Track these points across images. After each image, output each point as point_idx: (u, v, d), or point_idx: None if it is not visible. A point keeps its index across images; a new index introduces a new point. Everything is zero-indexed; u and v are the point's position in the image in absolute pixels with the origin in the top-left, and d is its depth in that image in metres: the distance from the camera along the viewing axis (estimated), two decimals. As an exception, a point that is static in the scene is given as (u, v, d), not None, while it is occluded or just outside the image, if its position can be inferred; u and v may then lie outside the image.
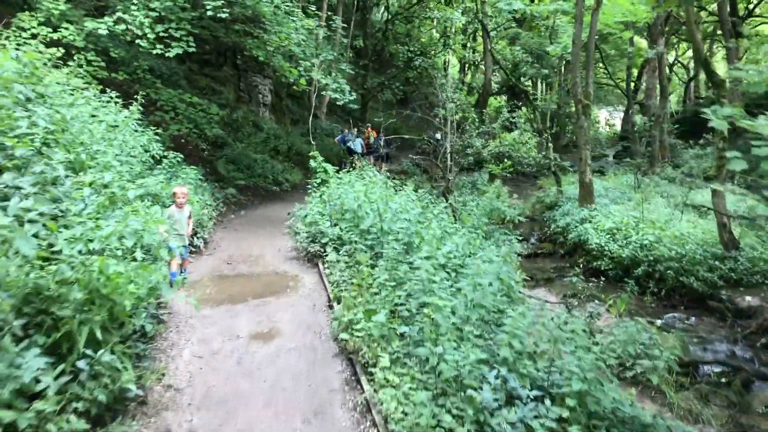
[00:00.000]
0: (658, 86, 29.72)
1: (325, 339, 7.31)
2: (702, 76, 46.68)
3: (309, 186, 14.98)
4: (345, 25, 18.44)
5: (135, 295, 5.19)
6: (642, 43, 41.04)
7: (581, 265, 15.89)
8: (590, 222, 16.84)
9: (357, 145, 23.72)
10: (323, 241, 10.89)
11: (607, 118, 58.65)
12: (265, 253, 12.12)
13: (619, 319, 11.04)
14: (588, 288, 11.97)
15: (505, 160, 17.72)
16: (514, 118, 18.17)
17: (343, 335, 6.64)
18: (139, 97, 11.99)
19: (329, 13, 21.35)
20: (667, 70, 33.08)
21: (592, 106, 18.16)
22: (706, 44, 42.64)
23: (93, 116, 10.88)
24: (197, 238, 11.98)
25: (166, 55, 14.03)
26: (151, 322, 6.15)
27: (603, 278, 15.18)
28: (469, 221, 13.18)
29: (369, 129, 26.54)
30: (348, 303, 7.24)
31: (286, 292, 9.36)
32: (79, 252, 5.08)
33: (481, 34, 27.48)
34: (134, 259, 6.12)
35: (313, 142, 16.03)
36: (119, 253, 5.60)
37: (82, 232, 5.33)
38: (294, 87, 20.23)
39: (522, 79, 26.97)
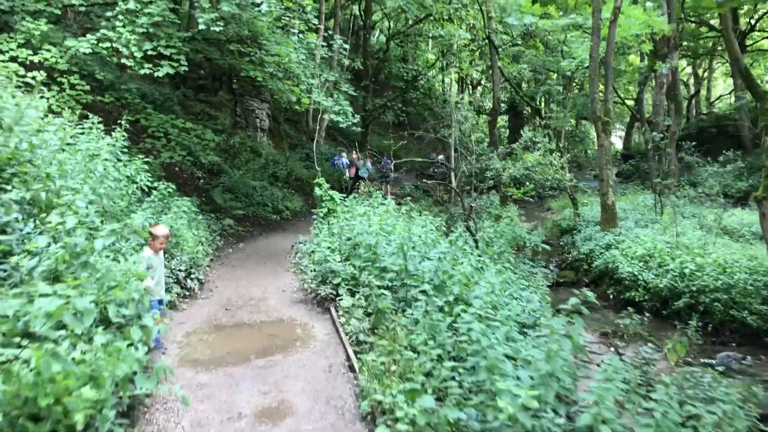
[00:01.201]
0: (665, 102, 28.44)
1: (350, 419, 5.70)
2: (703, 92, 45.61)
3: (313, 214, 13.48)
4: (346, 45, 17.05)
5: (93, 400, 3.58)
6: (637, 60, 39.94)
7: (611, 296, 14.37)
8: (617, 248, 15.32)
9: (365, 170, 22.25)
10: (335, 281, 9.31)
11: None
12: (268, 295, 10.52)
13: (677, 365, 9.47)
14: (634, 325, 10.39)
15: (527, 183, 16.26)
16: (536, 138, 16.76)
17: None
18: (123, 121, 10.44)
19: (329, 32, 19.94)
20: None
21: (612, 123, 16.74)
22: (706, 60, 41.57)
23: (69, 144, 9.36)
24: (191, 279, 10.39)
25: (156, 75, 12.58)
26: (121, 423, 4.49)
27: (633, 310, 13.72)
28: (492, 251, 11.63)
29: (355, 153, 25.15)
30: (376, 370, 5.64)
31: (295, 346, 7.76)
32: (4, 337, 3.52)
33: (486, 50, 26.17)
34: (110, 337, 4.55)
35: (318, 168, 14.50)
36: (78, 331, 4.01)
37: (17, 309, 3.72)
38: (296, 107, 18.79)
39: (530, 97, 25.69)
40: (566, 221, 19.56)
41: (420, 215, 13.24)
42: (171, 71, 12.55)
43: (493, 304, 8.01)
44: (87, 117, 11.09)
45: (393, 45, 31.09)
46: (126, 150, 11.01)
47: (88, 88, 14.15)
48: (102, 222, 9.14)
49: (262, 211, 18.94)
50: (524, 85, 27.78)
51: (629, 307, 13.80)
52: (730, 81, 45.39)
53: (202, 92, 26.10)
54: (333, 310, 8.95)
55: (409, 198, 20.76)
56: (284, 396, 6.21)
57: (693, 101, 42.33)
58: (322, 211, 12.65)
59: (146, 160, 11.13)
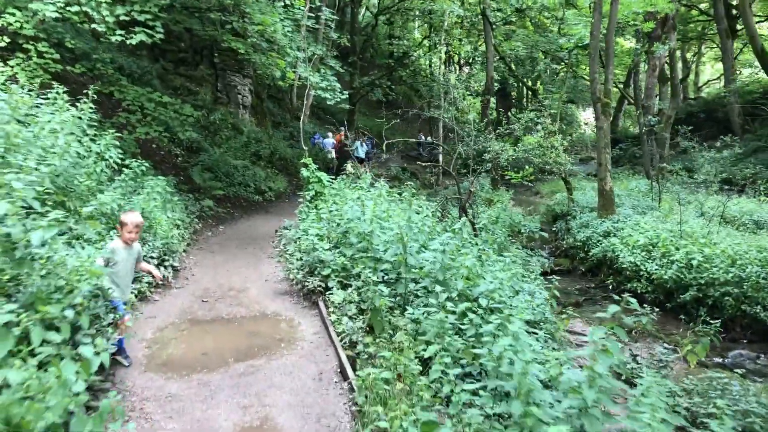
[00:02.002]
0: (657, 86, 27.70)
1: (346, 444, 4.79)
2: (691, 77, 44.96)
3: (298, 196, 12.50)
4: (335, 16, 15.97)
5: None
6: (625, 44, 39.06)
7: (611, 287, 13.58)
8: (616, 236, 14.51)
9: (361, 150, 21.26)
10: (324, 272, 8.36)
11: (587, 120, 56.60)
12: (249, 284, 9.55)
13: (694, 367, 8.68)
14: (649, 321, 9.56)
15: (526, 166, 15.35)
16: (539, 118, 15.85)
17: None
18: (91, 92, 9.33)
19: (318, 2, 18.77)
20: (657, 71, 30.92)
21: (611, 104, 15.85)
22: (695, 45, 40.86)
23: (29, 116, 8.28)
24: (165, 266, 9.38)
25: (129, 42, 11.44)
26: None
27: (633, 300, 12.92)
28: (492, 240, 10.73)
29: (340, 134, 24.12)
30: (379, 389, 4.71)
31: (280, 348, 6.82)
32: None
33: (479, 27, 25.09)
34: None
35: (305, 148, 13.46)
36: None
37: None
38: (281, 83, 17.67)
39: (525, 77, 24.67)
40: (560, 206, 18.73)
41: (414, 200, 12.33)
42: (146, 39, 11.43)
43: (500, 301, 7.16)
44: (51, 87, 9.99)
45: (380, 22, 29.88)
46: (96, 124, 9.93)
47: (57, 56, 12.94)
48: (64, 204, 8.13)
49: (244, 192, 17.89)
50: (514, 66, 26.68)
51: (624, 295, 13.08)
52: (718, 66, 44.81)
53: (182, 66, 24.79)
54: (322, 305, 8.00)
55: (396, 182, 19.84)
56: (268, 412, 5.27)
57: (681, 86, 41.64)
58: (309, 194, 11.66)
59: (118, 135, 10.02)
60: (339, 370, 6.15)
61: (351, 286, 8.02)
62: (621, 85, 35.32)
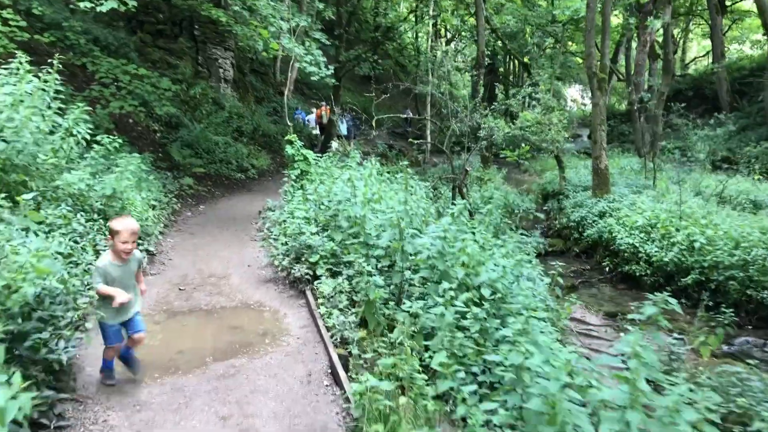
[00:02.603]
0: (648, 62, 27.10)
1: (342, 468, 4.14)
2: (678, 54, 44.32)
3: (281, 173, 11.77)
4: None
5: None
6: (613, 20, 38.25)
7: (608, 269, 13.05)
8: (612, 216, 13.94)
9: (342, 127, 20.49)
10: (311, 259, 7.66)
11: (574, 97, 55.94)
12: (231, 270, 8.84)
13: (706, 359, 8.14)
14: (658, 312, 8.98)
15: (523, 144, 14.66)
16: (537, 93, 15.15)
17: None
18: (56, 61, 8.47)
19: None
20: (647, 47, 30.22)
21: (607, 80, 15.18)
22: (683, 21, 40.22)
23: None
24: (139, 251, 8.61)
25: (98, 10, 10.53)
26: None
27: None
28: (487, 222, 10.09)
29: (324, 107, 23.29)
30: (379, 405, 4.05)
31: (264, 344, 6.14)
32: None
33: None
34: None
35: (290, 124, 12.66)
36: None
37: None
38: (263, 54, 16.78)
39: (516, 51, 23.88)
40: (551, 185, 18.13)
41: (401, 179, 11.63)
42: (117, 6, 10.53)
43: (504, 291, 6.53)
44: (13, 56, 9.12)
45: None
46: (64, 96, 9.10)
47: (24, 24, 11.99)
48: (26, 184, 7.35)
49: (226, 170, 17.08)
50: (505, 41, 25.81)
51: (628, 282, 12.58)
52: (704, 43, 44.28)
53: (160, 38, 23.65)
54: (310, 294, 7.32)
55: (383, 159, 19.11)
56: (250, 423, 4.61)
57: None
58: (294, 173, 10.92)
59: (87, 108, 9.16)
60: (330, 371, 5.50)
61: (341, 274, 7.36)
62: (608, 61, 34.63)
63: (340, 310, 6.32)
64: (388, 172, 11.16)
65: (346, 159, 12.60)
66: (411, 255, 6.34)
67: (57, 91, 8.81)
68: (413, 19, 31.62)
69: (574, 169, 20.03)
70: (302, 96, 32.32)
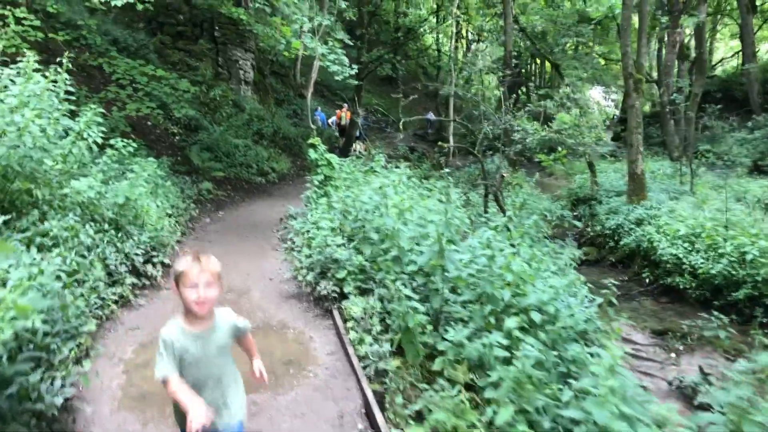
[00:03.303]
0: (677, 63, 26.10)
1: None
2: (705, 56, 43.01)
3: (303, 177, 11.08)
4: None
5: None
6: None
7: (647, 281, 12.19)
8: (650, 224, 13.06)
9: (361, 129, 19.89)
10: (338, 274, 6.92)
11: (596, 99, 54.53)
12: (251, 284, 8.14)
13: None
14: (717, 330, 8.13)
15: (559, 148, 13.83)
16: (575, 93, 14.34)
17: None
18: (65, 60, 7.82)
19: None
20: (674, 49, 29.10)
21: (644, 80, 14.31)
22: (710, 21, 38.99)
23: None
24: (153, 264, 7.96)
25: (113, 4, 9.93)
26: None
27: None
28: (521, 233, 9.29)
29: (345, 109, 22.54)
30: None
31: (288, 374, 5.42)
32: None
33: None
34: None
35: (313, 126, 11.97)
36: None
37: None
38: (285, 54, 16.13)
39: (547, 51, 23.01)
40: (583, 190, 17.25)
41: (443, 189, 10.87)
42: (132, 0, 9.91)
43: (557, 315, 5.77)
44: (22, 55, 8.51)
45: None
46: (77, 98, 8.49)
47: (38, 23, 11.41)
48: (30, 193, 6.70)
49: (246, 173, 16.42)
50: (533, 40, 24.75)
51: (670, 295, 11.71)
52: (733, 43, 43.01)
53: (181, 40, 23.13)
54: (337, 315, 6.59)
55: (404, 160, 18.37)
56: (274, 480, 3.88)
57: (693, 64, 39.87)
58: (317, 178, 10.21)
59: (100, 110, 8.51)
60: (364, 411, 4.76)
61: (371, 291, 6.64)
62: (645, 61, 33.42)
63: (373, 336, 5.58)
64: (419, 178, 10.39)
65: (371, 163, 11.89)
66: (454, 277, 5.58)
67: (68, 92, 8.20)
68: (434, 20, 30.87)
69: (603, 173, 19.12)
70: (322, 98, 31.65)
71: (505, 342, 4.84)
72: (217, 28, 22.82)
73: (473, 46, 33.80)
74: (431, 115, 30.03)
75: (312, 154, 10.39)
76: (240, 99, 21.68)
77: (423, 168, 16.86)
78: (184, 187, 12.65)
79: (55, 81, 7.71)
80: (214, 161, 15.72)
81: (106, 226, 7.34)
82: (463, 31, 33.52)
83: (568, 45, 24.36)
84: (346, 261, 7.03)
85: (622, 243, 13.56)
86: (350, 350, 5.61)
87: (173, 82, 13.48)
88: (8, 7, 11.18)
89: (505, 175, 11.16)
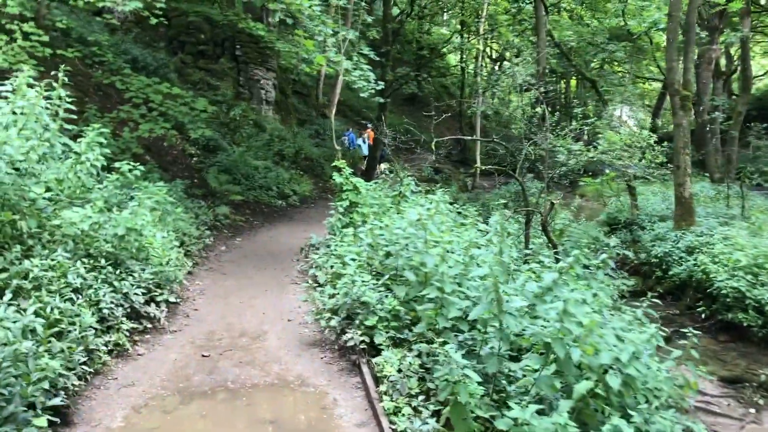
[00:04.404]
0: (712, 81, 24.78)
1: None
2: (737, 75, 41.53)
3: (326, 199, 10.04)
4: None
5: None
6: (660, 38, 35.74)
7: (703, 316, 10.90)
8: (704, 252, 11.78)
9: (364, 147, 18.98)
10: (368, 321, 5.81)
11: (620, 117, 52.98)
12: (267, 326, 7.06)
13: None
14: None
15: (606, 170, 12.67)
16: (631, 111, 13.17)
17: None
18: (60, 74, 6.88)
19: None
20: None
21: (690, 98, 13.11)
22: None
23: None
24: (157, 303, 6.91)
25: (119, 8, 9.05)
26: None
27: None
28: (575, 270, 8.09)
29: (369, 130, 21.49)
30: None
31: (309, 454, 4.30)
32: None
33: (528, 14, 22.30)
34: None
35: (338, 147, 10.93)
36: None
37: None
38: (307, 69, 15.21)
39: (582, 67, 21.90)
40: (622, 214, 15.99)
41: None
42: (140, 6, 9.02)
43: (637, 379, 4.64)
44: (15, 69, 7.61)
45: (411, 16, 27.01)
46: (85, 118, 7.58)
47: (46, 39, 10.58)
48: (15, 224, 5.72)
49: (265, 196, 15.43)
50: (553, 61, 23.62)
51: (730, 332, 10.45)
52: (764, 61, 41.44)
53: (201, 59, 22.41)
54: (366, 371, 5.47)
55: (432, 184, 17.32)
56: None
57: (727, 82, 38.38)
58: (342, 204, 9.15)
59: (104, 130, 7.54)
60: None
61: (406, 342, 5.53)
62: (692, 77, 32.01)
63: (414, 408, 4.45)
64: (451, 203, 9.27)
65: (399, 186, 10.80)
66: (516, 335, 4.46)
67: (70, 111, 7.26)
68: (456, 40, 29.89)
69: (641, 196, 17.81)
70: (344, 117, 30.73)
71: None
72: (238, 46, 22.07)
73: (501, 65, 32.80)
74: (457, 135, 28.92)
75: (336, 177, 9.34)
76: (261, 119, 20.81)
77: (451, 190, 15.72)
78: (198, 212, 11.67)
79: (48, 97, 6.78)
80: (232, 184, 14.77)
81: (103, 262, 6.32)
82: (489, 50, 32.51)
83: (598, 62, 23.26)
84: (377, 304, 5.92)
85: (671, 273, 12.29)
86: (384, 423, 4.49)
87: (189, 101, 12.56)
88: (16, 22, 10.39)
89: (555, 202, 10.00)
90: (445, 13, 32.36)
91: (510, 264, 5.72)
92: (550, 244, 8.72)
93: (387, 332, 5.68)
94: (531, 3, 21.24)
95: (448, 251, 5.13)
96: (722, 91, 26.02)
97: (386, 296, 6.13)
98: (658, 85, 39.72)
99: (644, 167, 11.97)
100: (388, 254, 6.56)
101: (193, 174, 14.51)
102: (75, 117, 7.73)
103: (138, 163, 8.45)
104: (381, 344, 5.53)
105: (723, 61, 39.07)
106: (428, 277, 5.62)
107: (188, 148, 15.64)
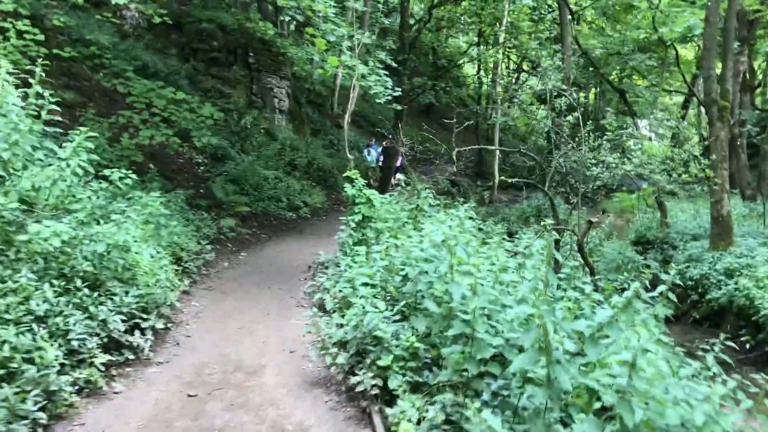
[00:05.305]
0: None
1: None
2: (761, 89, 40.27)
3: (338, 212, 9.15)
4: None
5: None
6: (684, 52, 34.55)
7: (747, 346, 9.85)
8: (746, 275, 10.73)
9: (373, 155, 18.26)
10: (381, 361, 4.86)
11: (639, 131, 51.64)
12: (266, 359, 6.12)
13: None
14: None
15: (644, 185, 11.68)
16: (671, 120, 12.22)
17: None
18: (38, 69, 6.04)
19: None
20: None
21: (729, 109, 12.07)
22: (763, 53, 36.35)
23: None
24: (142, 330, 6.00)
25: (122, 2, 8.30)
26: None
27: None
28: (610, 289, 7.12)
29: (388, 141, 20.61)
30: None
31: None
32: None
33: (554, 19, 21.37)
34: None
35: (350, 157, 10.02)
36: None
37: None
38: (321, 71, 14.38)
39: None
40: (651, 232, 14.92)
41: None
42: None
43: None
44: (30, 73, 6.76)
45: (426, 29, 26.14)
46: (59, 118, 6.74)
47: (42, 37, 9.78)
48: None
49: (274, 207, 14.54)
50: (612, 61, 22.36)
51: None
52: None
53: (214, 66, 21.67)
54: (380, 424, 4.51)
55: (449, 197, 16.41)
56: None
57: (750, 95, 37.10)
58: (354, 218, 8.22)
59: (92, 134, 6.68)
60: None
61: (426, 386, 4.59)
62: (731, 87, 30.76)
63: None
64: (471, 218, 8.30)
65: (416, 200, 9.86)
66: (565, 389, 3.49)
67: (56, 112, 6.45)
68: (473, 51, 28.97)
69: (669, 212, 16.75)
70: (359, 129, 29.90)
71: None
72: (251, 54, 21.32)
73: (519, 76, 31.84)
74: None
75: (348, 189, 8.43)
76: (273, 127, 20.00)
77: (469, 204, 14.74)
78: (201, 224, 10.81)
79: (25, 94, 5.95)
80: (239, 194, 13.90)
81: (79, 283, 5.43)
82: (507, 59, 31.54)
83: (627, 71, 22.25)
84: (392, 340, 4.98)
85: (708, 297, 11.25)
86: (401, 500, 3.53)
87: (195, 106, 11.72)
88: (9, 19, 9.62)
89: (594, 221, 9.02)
90: (461, 24, 31.59)
91: (556, 299, 4.75)
92: (586, 268, 7.75)
93: (404, 374, 4.74)
94: (553, 11, 20.38)
95: (480, 281, 4.17)
96: (749, 105, 24.84)
97: (402, 327, 5.19)
98: (678, 99, 38.56)
99: (682, 182, 10.91)
100: (405, 279, 5.61)
101: (199, 183, 13.67)
102: (67, 121, 6.93)
103: (137, 171, 7.61)
104: (397, 391, 4.59)
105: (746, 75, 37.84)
106: (453, 309, 4.67)
107: (195, 156, 14.83)
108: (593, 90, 33.62)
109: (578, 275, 6.89)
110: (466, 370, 4.09)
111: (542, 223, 6.41)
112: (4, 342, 4.16)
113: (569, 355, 3.70)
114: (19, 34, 9.55)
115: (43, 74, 6.38)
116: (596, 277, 7.64)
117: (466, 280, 4.21)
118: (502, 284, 5.09)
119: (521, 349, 3.95)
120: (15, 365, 4.16)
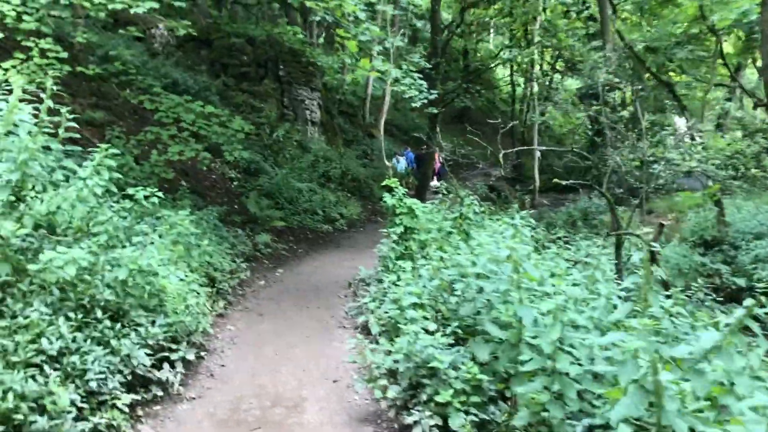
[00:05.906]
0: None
1: None
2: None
3: (376, 223, 8.53)
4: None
5: None
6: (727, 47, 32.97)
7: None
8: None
9: (402, 163, 17.63)
10: (439, 397, 4.16)
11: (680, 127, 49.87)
12: (308, 390, 5.47)
13: None
14: None
15: (710, 182, 10.79)
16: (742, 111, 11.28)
17: None
18: (49, 82, 5.54)
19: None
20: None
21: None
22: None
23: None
24: (171, 364, 5.40)
25: (132, 11, 7.81)
26: None
27: None
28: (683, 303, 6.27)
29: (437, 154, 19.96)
30: None
31: None
32: None
33: (594, 12, 20.52)
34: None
35: (388, 164, 9.38)
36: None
37: None
38: (352, 76, 13.79)
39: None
40: (707, 231, 13.89)
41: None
42: (156, 5, 7.76)
43: None
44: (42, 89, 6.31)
45: (457, 35, 25.48)
46: (75, 134, 6.26)
47: (65, 55, 9.37)
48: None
49: (310, 221, 13.98)
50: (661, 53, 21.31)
51: None
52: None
53: (244, 81, 21.36)
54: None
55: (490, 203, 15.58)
56: None
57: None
58: (396, 230, 7.56)
59: (114, 151, 6.16)
60: None
61: (494, 425, 3.87)
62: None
63: None
64: (525, 227, 7.55)
65: (460, 207, 9.14)
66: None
67: (73, 128, 5.95)
68: (505, 55, 28.17)
69: (730, 210, 15.58)
70: (391, 137, 29.36)
71: None
72: (281, 67, 20.92)
73: (552, 78, 30.91)
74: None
75: (388, 199, 7.78)
76: (306, 140, 19.52)
77: (513, 210, 13.95)
78: (235, 241, 10.26)
79: (36, 111, 5.44)
80: (274, 209, 13.38)
81: (99, 314, 4.87)
82: (541, 59, 30.60)
83: (675, 64, 21.16)
84: (450, 371, 4.28)
85: (783, 302, 10.24)
86: None
87: (225, 120, 11.24)
88: (31, 38, 9.25)
89: (666, 223, 8.18)
90: (492, 28, 30.84)
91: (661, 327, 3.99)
92: (657, 277, 6.95)
93: (466, 411, 4.03)
94: (589, 7, 19.55)
95: (561, 306, 3.46)
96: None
97: (459, 353, 4.50)
98: (718, 94, 36.97)
99: (751, 177, 9.96)
100: (462, 299, 4.90)
101: (233, 199, 13.19)
102: (96, 140, 6.44)
103: (168, 189, 7.10)
104: (460, 430, 3.89)
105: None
106: (521, 334, 3.95)
107: (228, 171, 14.38)
108: (629, 88, 32.38)
109: (651, 287, 6.09)
110: (546, 410, 3.37)
111: (607, 232, 5.64)
112: (8, 390, 3.58)
113: (680, 395, 2.95)
114: (42, 52, 9.21)
115: (72, 95, 5.94)
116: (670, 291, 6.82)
117: (545, 306, 3.48)
118: (577, 302, 4.36)
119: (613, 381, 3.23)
120: (21, 416, 3.59)
